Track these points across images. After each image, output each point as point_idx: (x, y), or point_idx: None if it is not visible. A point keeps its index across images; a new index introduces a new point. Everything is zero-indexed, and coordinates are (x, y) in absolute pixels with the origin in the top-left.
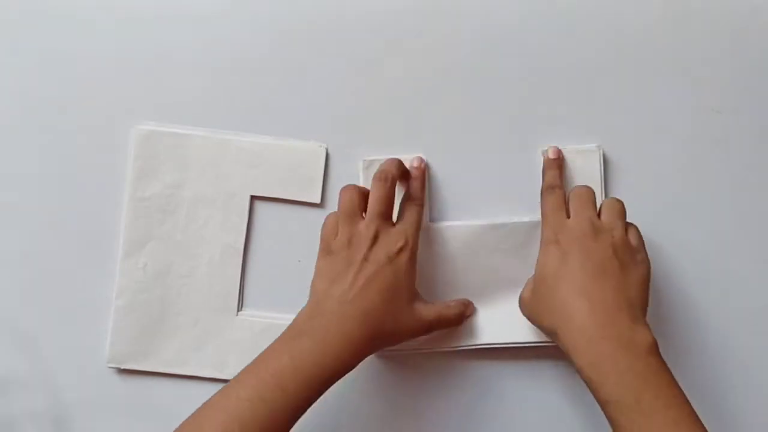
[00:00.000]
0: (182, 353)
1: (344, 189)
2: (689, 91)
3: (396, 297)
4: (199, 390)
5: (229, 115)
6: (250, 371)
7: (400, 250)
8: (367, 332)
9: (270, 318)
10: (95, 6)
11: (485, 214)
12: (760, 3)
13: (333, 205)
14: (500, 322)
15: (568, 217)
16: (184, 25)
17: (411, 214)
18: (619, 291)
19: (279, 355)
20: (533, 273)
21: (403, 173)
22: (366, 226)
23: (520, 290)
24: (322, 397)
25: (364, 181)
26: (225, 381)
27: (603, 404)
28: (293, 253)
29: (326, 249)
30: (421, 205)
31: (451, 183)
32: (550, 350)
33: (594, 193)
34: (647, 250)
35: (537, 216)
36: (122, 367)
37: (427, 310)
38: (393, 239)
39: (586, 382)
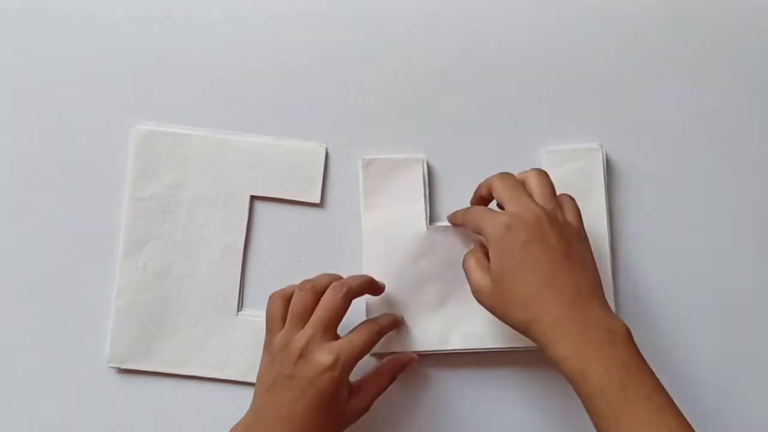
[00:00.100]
0: (182, 353)
1: (300, 289)
2: (689, 91)
3: (326, 411)
4: (199, 390)
5: (229, 115)
6: None
7: (326, 370)
8: None
9: None
10: (95, 6)
11: None
12: (760, 3)
13: (333, 205)
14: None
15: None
16: (184, 26)
17: (358, 332)
18: (583, 277)
19: None
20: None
21: (369, 291)
22: (300, 336)
23: None
24: None
25: (364, 179)
26: (225, 381)
27: (588, 397)
28: (293, 253)
29: (269, 340)
30: (378, 331)
31: (451, 183)
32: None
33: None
34: (645, 250)
35: None
36: (122, 367)
37: (361, 400)
38: (322, 357)
39: (568, 375)
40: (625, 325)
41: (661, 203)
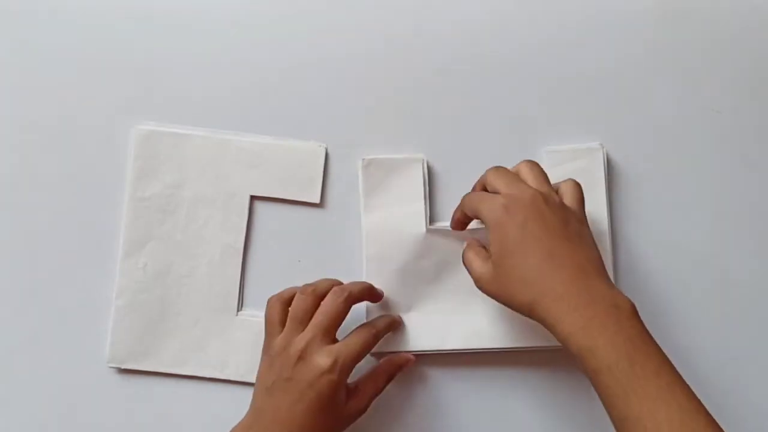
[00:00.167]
0: (182, 353)
1: (301, 293)
2: (689, 91)
3: (324, 414)
4: (199, 390)
5: (229, 115)
6: None
7: (324, 373)
8: None
9: None
10: (95, 6)
11: None
12: (760, 3)
13: (333, 205)
14: (499, 324)
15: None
16: (184, 26)
17: (356, 335)
18: (584, 254)
19: None
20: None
21: (368, 297)
22: (300, 339)
23: None
24: None
25: (364, 179)
26: (225, 381)
27: (595, 374)
28: (293, 253)
29: (268, 343)
30: (375, 334)
31: (450, 183)
32: (549, 353)
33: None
34: (646, 249)
35: None
36: (122, 367)
37: (359, 401)
38: (321, 360)
39: (574, 352)
40: (630, 300)
41: (661, 203)
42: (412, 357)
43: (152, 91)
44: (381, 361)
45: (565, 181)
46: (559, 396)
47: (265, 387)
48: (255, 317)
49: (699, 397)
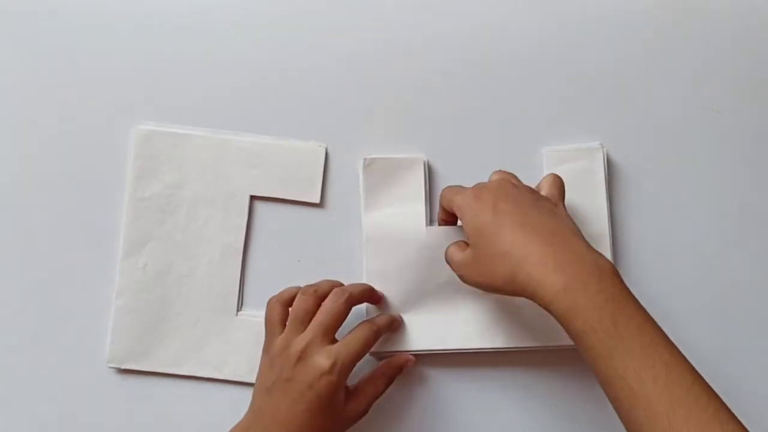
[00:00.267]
0: (182, 353)
1: (303, 293)
2: (689, 91)
3: (323, 415)
4: (199, 390)
5: (229, 115)
6: None
7: (324, 373)
8: None
9: None
10: (95, 6)
11: None
12: (760, 3)
13: (333, 205)
14: (499, 324)
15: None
16: (184, 26)
17: (355, 335)
18: (559, 223)
19: None
20: (453, 240)
21: (368, 299)
22: (300, 339)
23: None
24: None
25: (365, 179)
26: (225, 381)
27: (579, 334)
28: (293, 253)
29: (269, 343)
30: (376, 332)
31: (451, 183)
32: (550, 353)
33: None
34: (646, 249)
35: None
36: (122, 367)
37: (359, 403)
38: (320, 360)
39: (557, 314)
40: (610, 261)
41: (661, 203)
42: (411, 357)
43: (152, 91)
44: (380, 363)
45: (546, 175)
46: (559, 396)
47: (264, 387)
48: (255, 317)
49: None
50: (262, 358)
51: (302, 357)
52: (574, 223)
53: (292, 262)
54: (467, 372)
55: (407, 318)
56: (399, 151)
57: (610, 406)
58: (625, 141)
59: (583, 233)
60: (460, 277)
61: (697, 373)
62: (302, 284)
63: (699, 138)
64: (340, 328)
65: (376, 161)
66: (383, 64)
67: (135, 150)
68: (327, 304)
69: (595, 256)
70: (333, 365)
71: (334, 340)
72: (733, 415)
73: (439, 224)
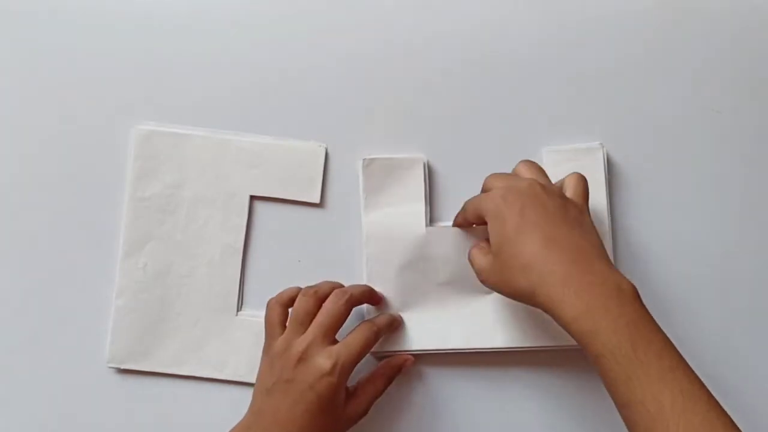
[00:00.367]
0: (182, 353)
1: (303, 295)
2: (689, 91)
3: (323, 416)
4: (199, 390)
5: (229, 115)
6: None
7: (325, 375)
8: None
9: None
10: (95, 6)
11: None
12: (760, 3)
13: (333, 205)
14: (500, 324)
15: None
16: (184, 26)
17: (356, 336)
18: (584, 238)
19: None
20: (477, 240)
21: (368, 300)
22: (301, 340)
23: None
24: None
25: (364, 179)
26: (225, 381)
27: (598, 357)
28: (293, 253)
29: (269, 344)
30: (376, 332)
31: (451, 184)
32: (550, 353)
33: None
34: (646, 250)
35: None
36: (122, 367)
37: (358, 404)
38: (321, 361)
39: (577, 335)
40: (631, 283)
41: (661, 203)
42: (410, 357)
43: (152, 91)
44: (380, 363)
45: (570, 174)
46: (560, 396)
47: (265, 388)
48: (255, 317)
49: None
50: (262, 359)
51: (303, 358)
52: (597, 236)
53: (292, 262)
54: (467, 372)
55: (407, 318)
56: (399, 151)
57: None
58: (625, 141)
59: None
60: (481, 281)
61: (714, 400)
62: (302, 284)
63: (699, 138)
64: (340, 329)
65: (376, 161)
66: (383, 64)
67: (135, 150)
68: (327, 305)
69: (617, 278)
70: (334, 366)
71: (334, 341)
72: None
73: (454, 225)
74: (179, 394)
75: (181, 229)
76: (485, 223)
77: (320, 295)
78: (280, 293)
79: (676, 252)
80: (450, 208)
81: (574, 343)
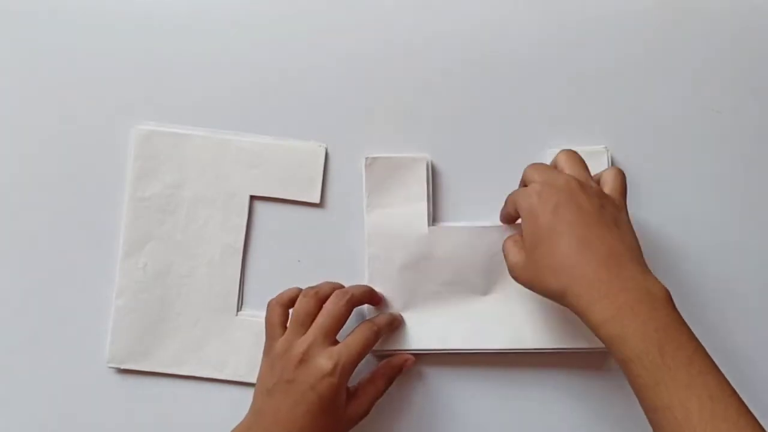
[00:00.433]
0: (182, 353)
1: (304, 296)
2: (689, 91)
3: (325, 415)
4: (199, 390)
5: (229, 115)
6: None
7: (326, 375)
8: None
9: None
10: (95, 6)
11: (487, 215)
12: (760, 3)
13: (333, 205)
14: (501, 325)
15: None
16: (184, 26)
17: (356, 336)
18: (619, 240)
19: None
20: (509, 234)
21: (369, 301)
22: (302, 341)
23: (522, 291)
24: None
25: (367, 178)
26: (225, 381)
27: (625, 362)
28: (293, 253)
29: (269, 345)
30: (376, 332)
31: (453, 184)
32: (551, 355)
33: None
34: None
35: None
36: (122, 367)
37: (359, 405)
38: (322, 362)
39: (605, 339)
40: (664, 287)
41: (660, 202)
42: (411, 357)
43: (152, 91)
44: (380, 363)
45: (608, 168)
46: (560, 397)
47: (265, 389)
48: (255, 317)
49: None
50: (262, 360)
51: (304, 359)
52: (633, 236)
53: (292, 262)
54: (467, 372)
55: (408, 317)
56: (399, 151)
57: (607, 407)
58: (625, 141)
59: None
60: (513, 276)
61: (744, 406)
62: (302, 284)
63: (699, 138)
64: (341, 330)
65: (379, 160)
66: (383, 64)
67: (135, 150)
68: (328, 306)
69: (648, 283)
70: (335, 367)
71: (335, 342)
72: None
73: (501, 220)
74: (179, 394)
75: (181, 229)
76: None
77: (321, 296)
78: (280, 294)
79: (676, 251)
80: (452, 208)
81: (574, 344)
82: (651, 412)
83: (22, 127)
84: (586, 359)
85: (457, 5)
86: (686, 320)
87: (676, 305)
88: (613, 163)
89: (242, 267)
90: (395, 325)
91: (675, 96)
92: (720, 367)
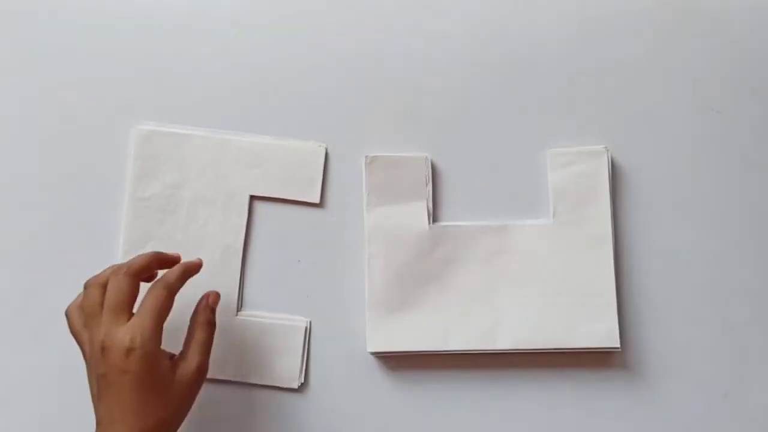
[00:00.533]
0: None
1: (86, 287)
2: (689, 91)
3: (151, 390)
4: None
5: (229, 115)
6: None
7: (129, 351)
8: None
9: (270, 318)
10: (95, 6)
11: (488, 215)
12: (760, 3)
13: (332, 205)
14: (501, 326)
15: None
16: (184, 26)
17: (146, 300)
18: None
19: None
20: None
21: (158, 266)
22: (98, 331)
23: (522, 292)
24: (322, 400)
25: (367, 176)
26: (225, 381)
27: None
28: (293, 253)
29: (83, 353)
30: (168, 287)
31: (452, 183)
32: (552, 355)
33: None
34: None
35: (541, 218)
36: None
37: (187, 363)
38: (120, 342)
39: None
40: None
41: (660, 203)
42: (213, 292)
43: (152, 91)
44: (194, 309)
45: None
46: (560, 398)
47: (93, 396)
48: (255, 317)
49: (706, 401)
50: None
51: (105, 346)
52: None
53: (292, 262)
54: (467, 373)
55: (408, 317)
56: (399, 150)
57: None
58: (625, 141)
59: (586, 235)
60: None
61: None
62: (302, 284)
63: (699, 138)
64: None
65: (378, 159)
66: (383, 64)
67: (135, 150)
68: (109, 287)
69: None
70: (133, 339)
71: (131, 317)
72: None
73: None
74: None
75: (181, 229)
76: None
77: (101, 281)
78: (73, 301)
79: (676, 251)
80: (452, 207)
81: (574, 344)
82: None
83: (22, 127)
84: (587, 359)
85: (457, 5)
86: (685, 320)
87: (677, 305)
88: (613, 163)
89: (242, 267)
90: (190, 272)
91: (675, 96)
92: (721, 367)
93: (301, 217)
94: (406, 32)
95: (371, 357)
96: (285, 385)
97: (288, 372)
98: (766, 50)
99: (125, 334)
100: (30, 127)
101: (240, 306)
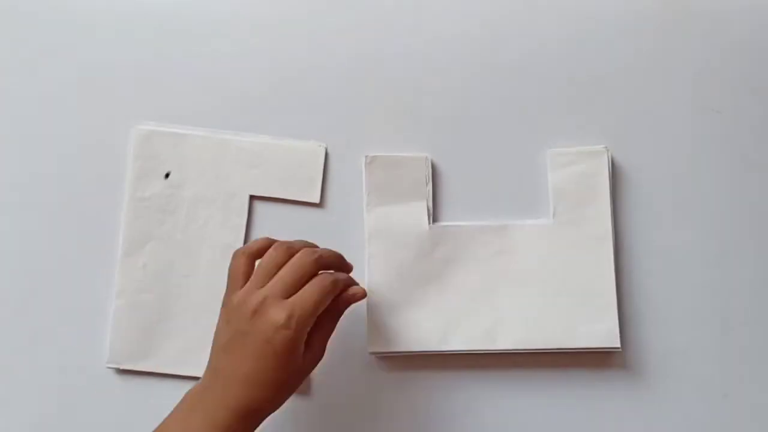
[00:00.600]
0: (182, 353)
1: (274, 249)
2: (689, 91)
3: (283, 369)
4: None
5: (229, 115)
6: None
7: (280, 328)
8: (255, 404)
9: None
10: (96, 7)
11: (488, 215)
12: (760, 3)
13: (333, 205)
14: (502, 326)
15: None
16: (184, 26)
17: (312, 285)
18: None
19: None
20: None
21: (339, 267)
22: (259, 293)
23: (522, 292)
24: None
25: (367, 176)
26: None
27: None
28: None
29: (228, 298)
30: (333, 281)
31: (452, 183)
32: (553, 356)
33: None
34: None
35: (541, 218)
36: (122, 367)
37: (315, 352)
38: (275, 314)
39: None
40: None
41: (660, 203)
42: (360, 290)
43: (152, 91)
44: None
45: None
46: (561, 398)
47: (221, 345)
48: None
49: (706, 401)
50: (220, 313)
51: (258, 310)
52: None
53: None
54: (467, 373)
55: (408, 317)
56: (399, 151)
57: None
58: (625, 141)
59: (586, 235)
60: None
61: None
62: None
63: (699, 138)
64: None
65: (378, 159)
66: (383, 64)
67: (135, 150)
68: (294, 259)
69: None
70: (289, 318)
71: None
72: None
73: None
74: (179, 394)
75: (181, 229)
76: None
77: (292, 252)
78: (248, 244)
79: (676, 252)
80: (452, 207)
81: (574, 344)
82: None
83: (22, 128)
84: (587, 359)
85: (457, 6)
86: (685, 320)
87: (678, 305)
88: (613, 163)
89: None
90: (357, 292)
91: (675, 96)
92: (721, 367)
93: (301, 217)
94: (406, 32)
95: (371, 357)
96: None
97: None
98: (766, 50)
99: (282, 310)
100: (30, 127)
101: None
